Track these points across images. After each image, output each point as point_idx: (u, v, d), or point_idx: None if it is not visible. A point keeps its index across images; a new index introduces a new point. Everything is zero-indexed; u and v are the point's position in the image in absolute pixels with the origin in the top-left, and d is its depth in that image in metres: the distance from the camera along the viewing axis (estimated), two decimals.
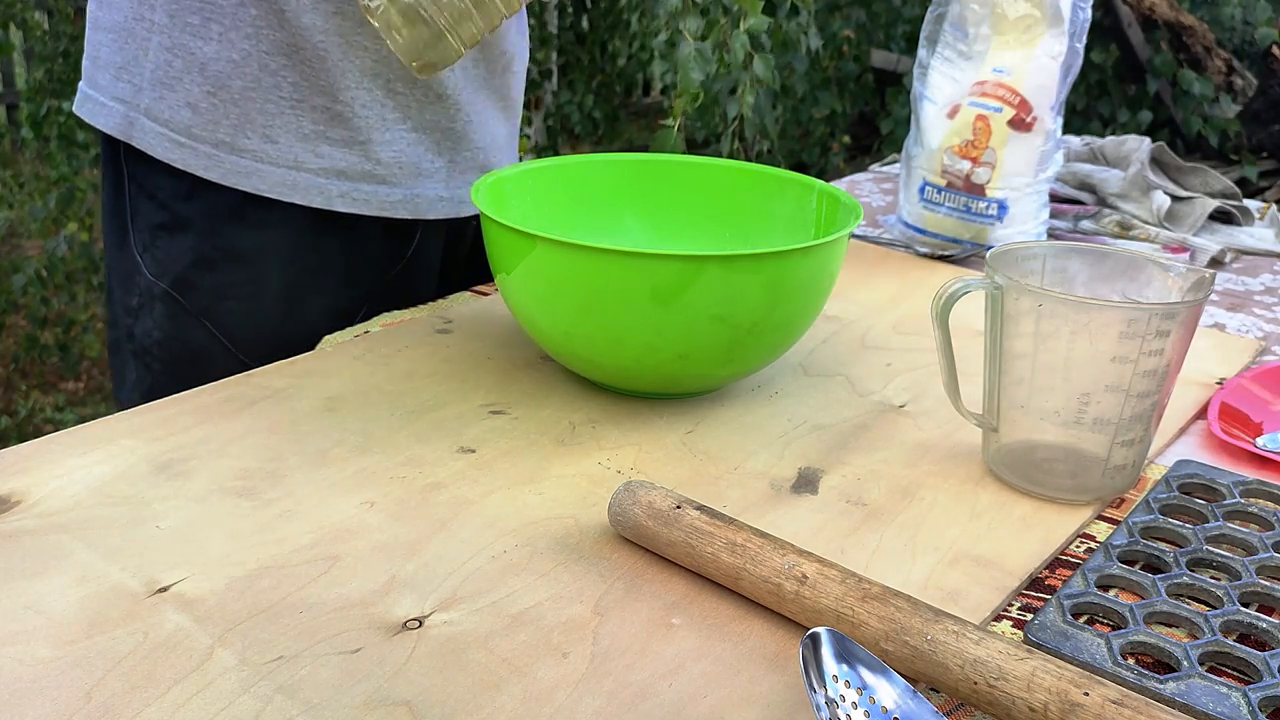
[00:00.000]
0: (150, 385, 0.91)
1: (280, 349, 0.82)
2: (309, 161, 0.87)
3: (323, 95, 0.86)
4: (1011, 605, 0.54)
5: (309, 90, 0.85)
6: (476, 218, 1.00)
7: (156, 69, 0.85)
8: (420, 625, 0.50)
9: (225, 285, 0.89)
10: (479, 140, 0.94)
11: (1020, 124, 1.02)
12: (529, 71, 4.08)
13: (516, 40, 0.96)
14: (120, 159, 0.89)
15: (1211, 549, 0.57)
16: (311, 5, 0.83)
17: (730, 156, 2.58)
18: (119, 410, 0.90)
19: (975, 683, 0.45)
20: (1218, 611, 0.52)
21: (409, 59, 0.70)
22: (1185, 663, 0.48)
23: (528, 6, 1.08)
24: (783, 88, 2.64)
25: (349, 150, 0.87)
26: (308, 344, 0.80)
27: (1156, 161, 1.19)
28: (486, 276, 0.96)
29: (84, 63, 0.90)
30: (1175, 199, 1.15)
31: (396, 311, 0.86)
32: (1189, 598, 0.54)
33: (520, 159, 0.97)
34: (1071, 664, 0.47)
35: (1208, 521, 0.60)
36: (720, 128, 2.53)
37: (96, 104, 0.88)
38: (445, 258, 1.01)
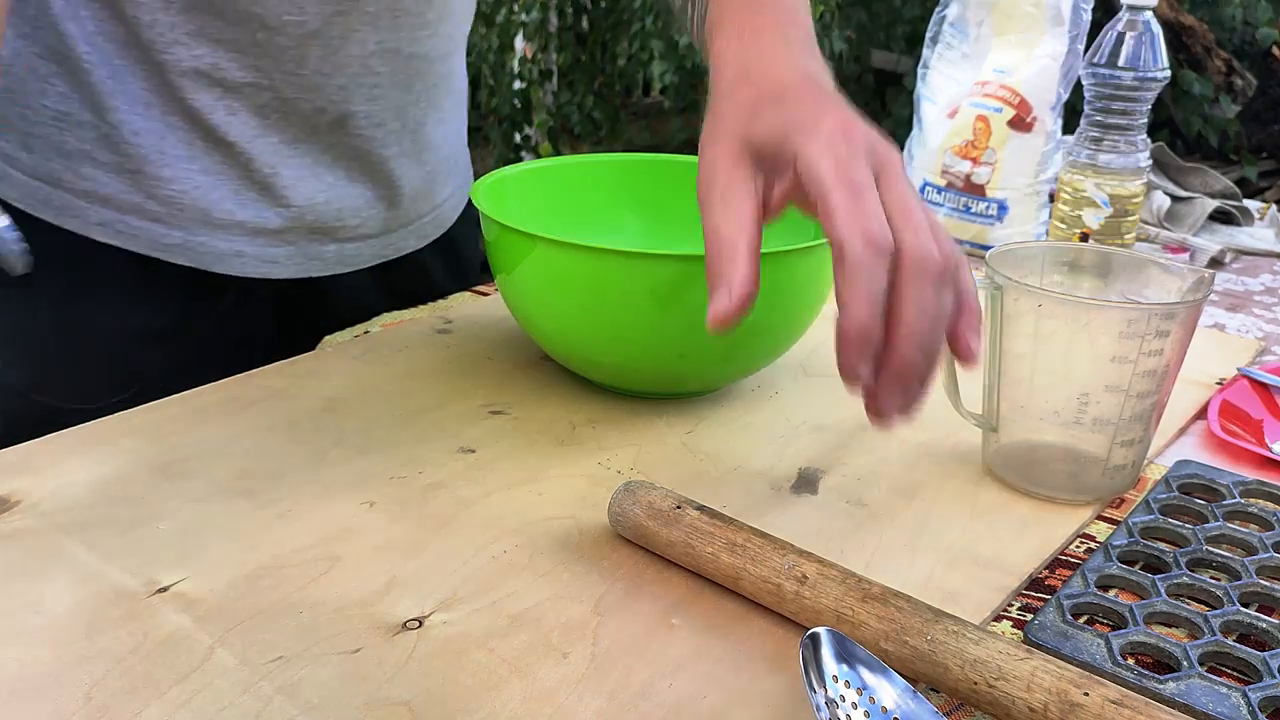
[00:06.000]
0: None
1: (34, 418, 0.69)
2: (68, 181, 0.77)
3: (90, 112, 0.76)
4: (1011, 605, 0.54)
5: (78, 104, 0.76)
6: (344, 277, 0.87)
7: None
8: (420, 625, 0.50)
9: None
10: (301, 199, 0.81)
11: (1020, 124, 1.02)
12: (529, 72, 4.08)
13: (344, 94, 0.79)
14: None
15: (1211, 549, 0.57)
16: (71, 13, 0.74)
17: None
18: None
19: (975, 683, 0.45)
20: (1218, 611, 0.52)
21: None
22: (1185, 663, 0.48)
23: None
24: None
25: (117, 178, 0.77)
26: (81, 406, 0.70)
27: (1156, 161, 1.19)
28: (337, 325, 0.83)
29: None
30: (1175, 199, 1.15)
31: (397, 312, 0.86)
32: (1189, 598, 0.54)
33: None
34: (1071, 664, 0.47)
35: (1208, 521, 0.60)
36: None
37: None
38: (298, 321, 0.86)
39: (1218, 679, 0.47)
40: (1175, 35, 3.46)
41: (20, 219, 0.72)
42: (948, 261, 0.49)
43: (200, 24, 0.74)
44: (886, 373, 0.49)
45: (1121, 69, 0.93)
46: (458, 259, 0.97)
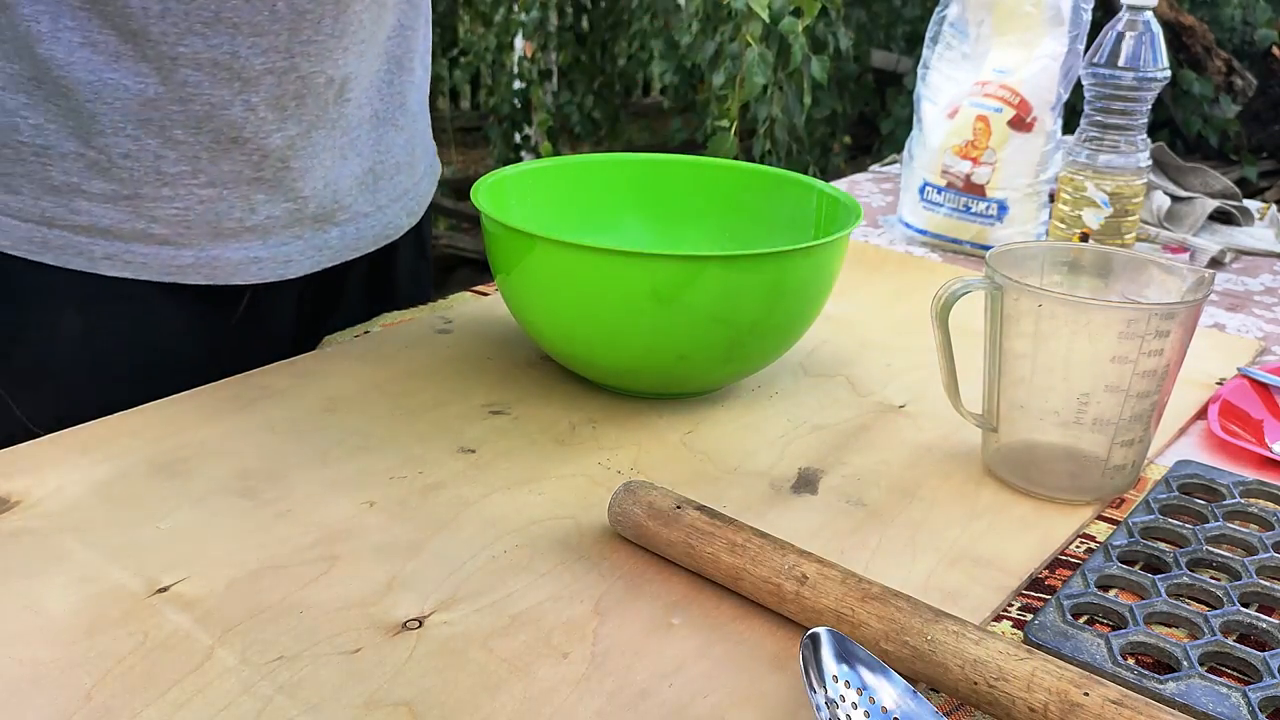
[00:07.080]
0: None
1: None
2: (62, 217, 0.73)
3: (75, 141, 0.72)
4: (1011, 605, 0.54)
5: (57, 134, 0.72)
6: (357, 263, 0.88)
7: None
8: (420, 625, 0.50)
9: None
10: (308, 188, 0.80)
11: (1020, 124, 1.02)
12: (528, 71, 4.08)
13: (347, 62, 0.79)
14: None
15: (1212, 549, 0.57)
16: (51, 33, 0.69)
17: (760, 158, 2.58)
18: None
19: (975, 683, 0.45)
20: (1218, 611, 0.52)
21: None
22: (1185, 663, 0.48)
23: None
24: (798, 88, 2.65)
25: (113, 207, 0.74)
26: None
27: (1156, 161, 1.19)
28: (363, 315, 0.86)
29: None
30: (1175, 199, 1.15)
31: (397, 312, 0.86)
32: (1189, 598, 0.54)
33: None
34: (1071, 664, 0.47)
35: (1208, 521, 0.60)
36: (735, 126, 2.53)
37: None
38: (312, 310, 0.88)
39: (1218, 679, 0.47)
40: (1175, 35, 3.46)
41: (24, 266, 0.73)
42: None
43: (217, 8, 0.70)
44: None
45: (1121, 69, 0.93)
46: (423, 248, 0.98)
